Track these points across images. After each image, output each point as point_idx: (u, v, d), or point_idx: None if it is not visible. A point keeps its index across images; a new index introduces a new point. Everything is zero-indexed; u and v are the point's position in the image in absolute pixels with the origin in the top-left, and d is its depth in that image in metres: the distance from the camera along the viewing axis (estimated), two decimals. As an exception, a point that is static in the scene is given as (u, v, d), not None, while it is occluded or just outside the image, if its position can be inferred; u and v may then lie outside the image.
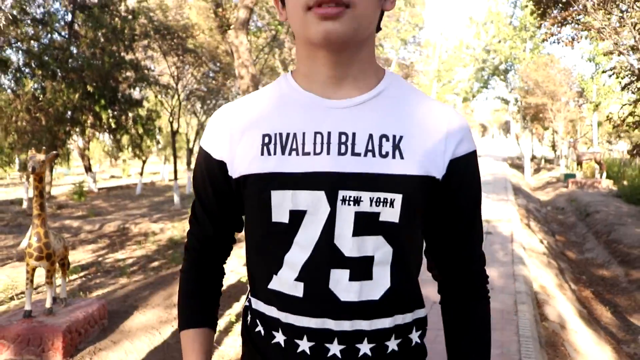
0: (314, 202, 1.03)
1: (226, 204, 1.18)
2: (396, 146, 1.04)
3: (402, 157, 1.04)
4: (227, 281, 7.29)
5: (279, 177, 1.05)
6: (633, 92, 6.65)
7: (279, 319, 1.08)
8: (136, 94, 13.46)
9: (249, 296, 1.20)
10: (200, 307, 1.24)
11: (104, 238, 11.82)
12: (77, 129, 11.40)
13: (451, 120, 1.09)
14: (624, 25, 5.98)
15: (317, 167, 1.03)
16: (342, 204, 1.02)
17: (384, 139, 1.05)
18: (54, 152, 5.24)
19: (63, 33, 11.98)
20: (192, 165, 21.41)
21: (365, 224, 1.03)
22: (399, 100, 1.11)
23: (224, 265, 1.30)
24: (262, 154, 1.07)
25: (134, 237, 11.96)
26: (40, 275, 6.39)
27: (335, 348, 1.04)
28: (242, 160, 1.10)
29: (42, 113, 10.56)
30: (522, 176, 28.70)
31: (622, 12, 6.09)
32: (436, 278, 1.25)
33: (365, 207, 1.02)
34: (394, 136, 1.05)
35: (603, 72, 8.30)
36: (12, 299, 7.15)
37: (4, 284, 7.66)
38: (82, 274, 8.53)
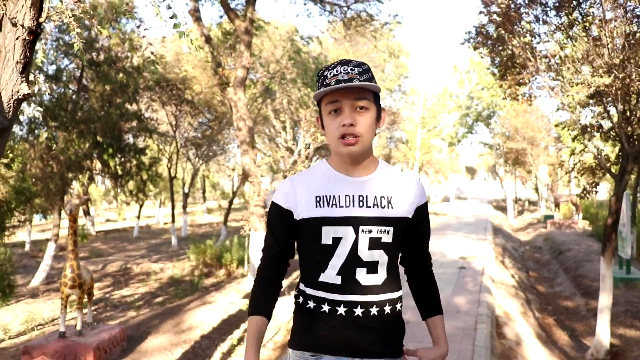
0: (346, 232, 1.86)
1: (289, 235, 1.98)
2: (389, 202, 1.91)
3: (392, 208, 1.91)
4: (228, 311, 8.16)
5: (327, 219, 1.87)
6: (581, 143, 7.69)
7: (325, 297, 1.88)
8: (139, 142, 14.48)
9: (301, 287, 1.98)
10: (262, 302, 1.97)
11: (108, 277, 12.61)
12: (86, 176, 12.34)
13: (417, 186, 1.99)
14: (573, 85, 7.05)
15: (348, 214, 1.86)
16: (362, 233, 1.86)
17: (382, 198, 1.91)
18: (87, 197, 6.16)
19: (72, 87, 12.99)
20: (188, 209, 22.08)
21: (374, 244, 1.88)
22: (388, 176, 1.96)
23: (282, 281, 2.06)
24: (316, 206, 1.88)
25: (136, 276, 12.75)
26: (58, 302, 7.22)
27: (358, 310, 1.86)
28: (303, 209, 1.90)
29: (54, 161, 11.50)
30: (506, 217, 29.75)
31: (573, 73, 7.10)
32: (403, 265, 2.12)
33: (374, 234, 1.87)
34: (388, 196, 1.92)
35: (555, 125, 9.36)
36: (32, 329, 7.96)
37: (24, 317, 8.44)
38: (92, 308, 9.32)
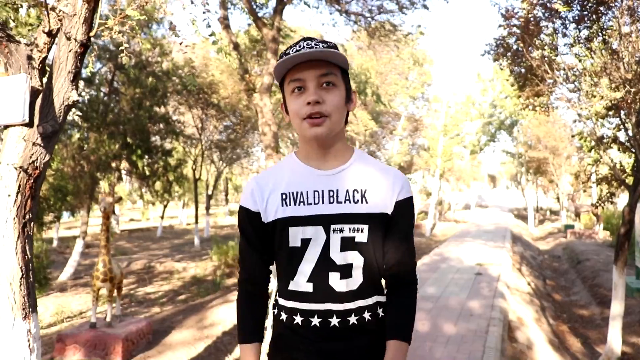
0: (316, 233, 1.66)
1: (263, 239, 1.76)
2: (363, 196, 1.68)
3: (366, 202, 1.68)
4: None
5: (294, 219, 1.67)
6: (597, 153, 7.85)
7: (297, 307, 1.69)
8: (166, 144, 14.92)
9: (276, 298, 1.80)
10: (249, 326, 1.77)
11: (132, 274, 13.00)
12: (115, 175, 12.77)
13: (396, 178, 1.72)
14: (590, 97, 7.24)
15: (316, 211, 1.66)
16: (333, 233, 1.65)
17: (355, 192, 1.68)
18: (119, 196, 6.51)
19: (103, 90, 13.45)
20: (211, 210, 22.47)
21: (347, 244, 1.66)
22: (363, 167, 1.73)
23: (268, 291, 1.85)
24: (282, 205, 1.69)
25: (160, 274, 13.13)
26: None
27: (334, 320, 1.66)
28: (270, 210, 1.71)
29: (85, 160, 11.94)
30: (526, 226, 29.68)
31: (592, 85, 7.28)
32: (384, 277, 1.80)
33: (346, 233, 1.66)
34: (362, 190, 1.69)
35: (572, 136, 9.51)
36: (62, 321, 8.34)
37: (53, 310, 8.84)
38: (114, 304, 9.69)
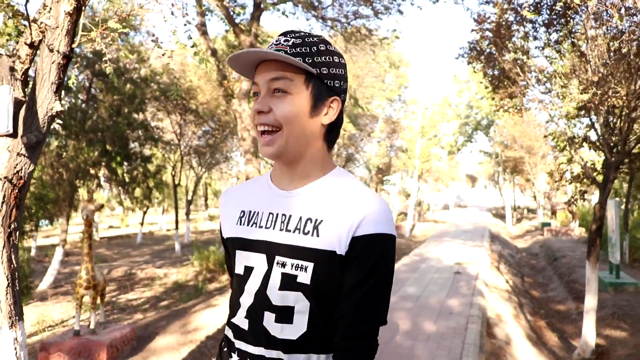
0: (258, 262, 1.40)
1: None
2: (315, 227, 1.34)
3: (317, 235, 1.33)
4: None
5: (242, 241, 1.45)
6: (569, 152, 8.08)
7: (235, 344, 1.44)
8: (146, 150, 14.93)
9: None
10: None
11: (113, 282, 12.98)
12: (94, 183, 12.76)
13: (363, 207, 1.32)
14: (561, 98, 7.46)
15: (265, 237, 1.40)
16: (275, 265, 1.37)
17: (308, 221, 1.36)
18: (101, 203, 6.56)
19: (81, 97, 13.42)
20: (191, 216, 22.44)
21: (288, 282, 1.35)
22: (329, 191, 1.39)
23: None
24: (237, 224, 1.49)
25: (141, 281, 13.13)
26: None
27: None
28: (227, 226, 1.54)
29: (64, 168, 11.91)
30: (504, 225, 30.12)
31: (562, 86, 7.49)
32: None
33: (288, 269, 1.35)
34: (316, 219, 1.35)
35: (545, 136, 9.78)
36: (43, 330, 8.34)
37: (34, 319, 8.82)
38: (98, 311, 9.71)
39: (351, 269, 1.31)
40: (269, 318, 1.37)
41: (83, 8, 3.85)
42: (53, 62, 3.65)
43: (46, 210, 9.36)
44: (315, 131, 1.39)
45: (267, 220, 1.42)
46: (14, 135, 3.54)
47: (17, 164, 3.53)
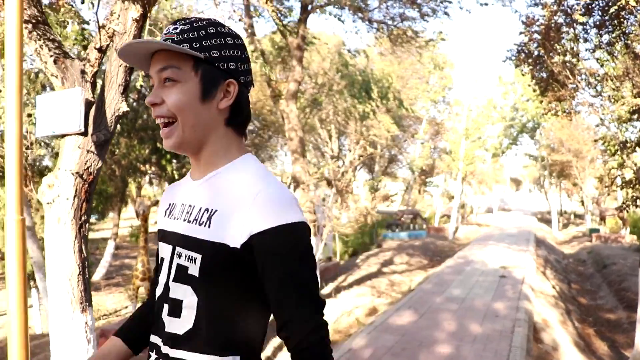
0: (167, 253, 1.38)
1: None
2: (209, 218, 1.28)
3: (209, 227, 1.27)
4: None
5: (161, 232, 1.45)
6: (620, 157, 7.96)
7: (150, 335, 1.41)
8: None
9: None
10: (127, 322, 1.59)
11: (147, 279, 13.34)
12: (144, 179, 13.16)
13: (258, 198, 1.21)
14: (613, 102, 7.36)
15: (173, 228, 1.37)
16: (176, 257, 1.34)
17: (205, 212, 1.30)
18: (157, 199, 6.81)
19: (132, 96, 13.83)
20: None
21: (180, 274, 1.31)
22: (228, 180, 1.31)
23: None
24: (163, 216, 1.47)
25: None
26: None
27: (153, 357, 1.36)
28: (158, 220, 1.52)
29: (116, 165, 12.34)
30: (550, 230, 29.57)
31: (614, 89, 7.40)
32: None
33: (182, 261, 1.31)
34: (211, 210, 1.29)
35: (595, 141, 9.62)
36: (99, 318, 8.67)
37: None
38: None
39: (266, 269, 1.21)
40: (165, 310, 1.34)
41: (148, 14, 4.06)
42: (120, 66, 3.86)
43: (105, 204, 9.71)
44: (212, 117, 1.32)
45: (179, 211, 1.39)
46: (84, 133, 3.76)
47: (87, 161, 3.76)
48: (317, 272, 1.15)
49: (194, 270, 1.27)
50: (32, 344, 8.01)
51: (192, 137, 1.31)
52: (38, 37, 3.83)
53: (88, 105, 3.82)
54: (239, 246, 1.22)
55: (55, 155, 7.40)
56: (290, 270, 1.20)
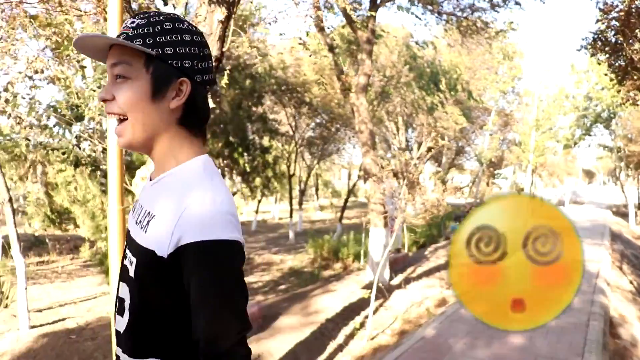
0: (126, 253, 1.36)
1: None
2: (148, 222, 1.25)
3: (146, 232, 1.24)
4: (349, 299, 8.89)
5: (127, 233, 1.40)
6: None
7: None
8: (263, 142, 15.69)
9: None
10: None
11: (233, 266, 13.78)
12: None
13: (190, 208, 1.16)
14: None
15: (130, 227, 1.38)
16: (125, 257, 1.34)
17: (147, 215, 1.27)
18: (234, 190, 7.09)
19: (205, 91, 14.36)
20: (304, 205, 23.08)
21: (124, 275, 1.31)
22: (169, 185, 1.26)
23: None
24: (131, 212, 1.42)
25: (259, 266, 13.84)
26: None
27: None
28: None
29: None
30: (627, 224, 28.47)
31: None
32: None
33: (126, 262, 1.31)
34: (151, 214, 1.26)
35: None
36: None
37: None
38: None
39: (191, 281, 1.16)
40: (115, 307, 1.36)
41: (233, 16, 4.29)
42: (208, 64, 4.11)
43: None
44: (163, 117, 1.27)
45: (136, 211, 1.37)
46: (176, 129, 4.04)
47: (178, 154, 4.03)
48: (242, 295, 1.16)
49: (132, 272, 1.26)
50: (118, 327, 8.51)
51: (143, 136, 1.28)
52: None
53: (179, 102, 4.09)
54: (166, 256, 1.18)
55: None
56: (207, 286, 1.14)
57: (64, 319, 8.40)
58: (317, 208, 33.73)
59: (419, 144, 20.08)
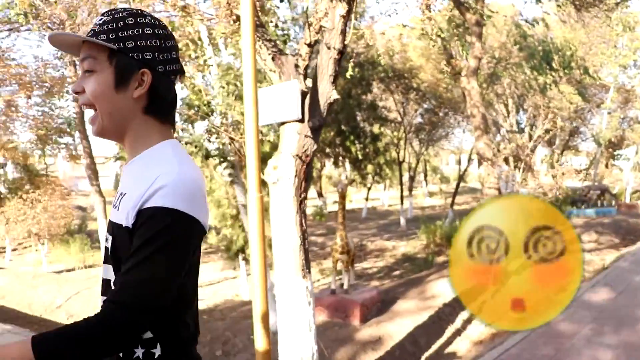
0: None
1: None
2: (120, 201, 1.34)
3: (118, 209, 1.33)
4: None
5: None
6: None
7: None
8: (373, 129, 15.84)
9: None
10: None
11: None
12: (330, 160, 13.98)
13: (158, 182, 1.24)
14: None
15: (110, 214, 1.42)
16: (107, 240, 1.39)
17: (120, 195, 1.35)
18: (352, 179, 7.34)
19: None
20: (414, 192, 22.95)
21: (106, 256, 1.37)
22: (139, 166, 1.35)
23: None
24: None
25: (372, 252, 14.06)
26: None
27: None
28: None
29: (304, 148, 13.27)
30: None
31: None
32: None
33: (107, 243, 1.37)
34: (122, 193, 1.34)
35: None
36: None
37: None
38: (337, 277, 10.73)
39: (132, 241, 1.24)
40: (101, 290, 1.41)
41: (354, 10, 4.47)
42: (330, 58, 4.32)
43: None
44: (128, 106, 1.36)
45: (115, 198, 1.41)
46: (301, 120, 4.29)
47: (304, 144, 4.28)
48: (173, 269, 1.23)
49: (110, 251, 1.34)
50: (242, 309, 9.07)
51: (111, 125, 1.37)
52: (257, 38, 4.41)
53: (302, 95, 4.34)
54: (130, 226, 1.26)
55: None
56: (143, 245, 1.20)
57: (195, 301, 9.06)
58: (426, 194, 33.44)
59: (531, 126, 19.40)
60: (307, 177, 4.34)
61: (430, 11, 10.90)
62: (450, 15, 13.50)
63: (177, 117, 8.43)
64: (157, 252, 1.20)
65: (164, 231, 1.20)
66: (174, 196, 1.22)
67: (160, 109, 1.39)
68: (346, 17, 4.21)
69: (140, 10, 1.40)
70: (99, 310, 1.21)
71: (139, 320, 1.19)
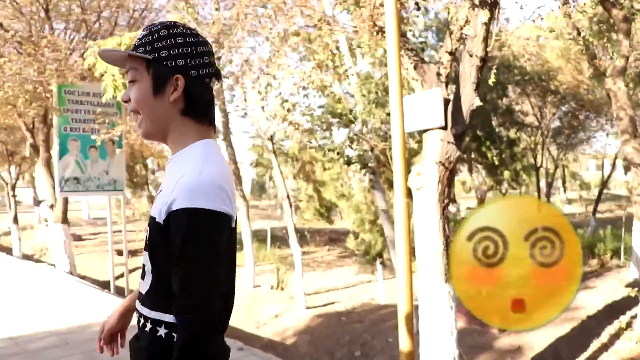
0: None
1: None
2: (157, 196, 1.50)
3: (156, 204, 1.47)
4: (611, 297, 8.43)
5: None
6: None
7: None
8: (510, 134, 15.40)
9: None
10: None
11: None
12: (465, 166, 13.81)
13: (181, 182, 1.37)
14: None
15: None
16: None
17: (159, 192, 1.51)
18: (491, 184, 7.27)
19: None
20: (551, 199, 21.91)
21: (146, 244, 1.51)
22: (175, 164, 1.50)
23: None
24: None
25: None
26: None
27: (135, 318, 1.60)
28: None
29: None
30: None
31: None
32: None
33: (147, 233, 1.50)
34: (160, 190, 1.51)
35: None
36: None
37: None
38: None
39: (171, 242, 1.37)
40: (140, 274, 1.57)
41: (496, 17, 4.49)
42: (472, 65, 4.38)
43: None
44: (167, 110, 1.50)
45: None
46: (444, 127, 4.38)
47: (447, 151, 4.37)
48: (216, 261, 1.39)
49: (148, 240, 1.48)
50: (379, 313, 9.24)
51: (154, 128, 1.52)
52: (399, 47, 4.56)
53: (445, 102, 4.43)
54: (162, 222, 1.39)
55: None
56: (184, 247, 1.33)
57: (332, 303, 9.36)
58: (565, 201, 31.74)
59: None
60: (450, 183, 4.42)
61: (570, 11, 10.43)
62: (594, 13, 12.85)
63: (317, 125, 8.84)
64: (194, 254, 1.33)
65: (192, 232, 1.33)
66: (194, 196, 1.33)
67: (197, 110, 1.53)
68: (488, 25, 4.25)
69: (174, 22, 1.55)
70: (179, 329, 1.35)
71: (211, 314, 1.33)
